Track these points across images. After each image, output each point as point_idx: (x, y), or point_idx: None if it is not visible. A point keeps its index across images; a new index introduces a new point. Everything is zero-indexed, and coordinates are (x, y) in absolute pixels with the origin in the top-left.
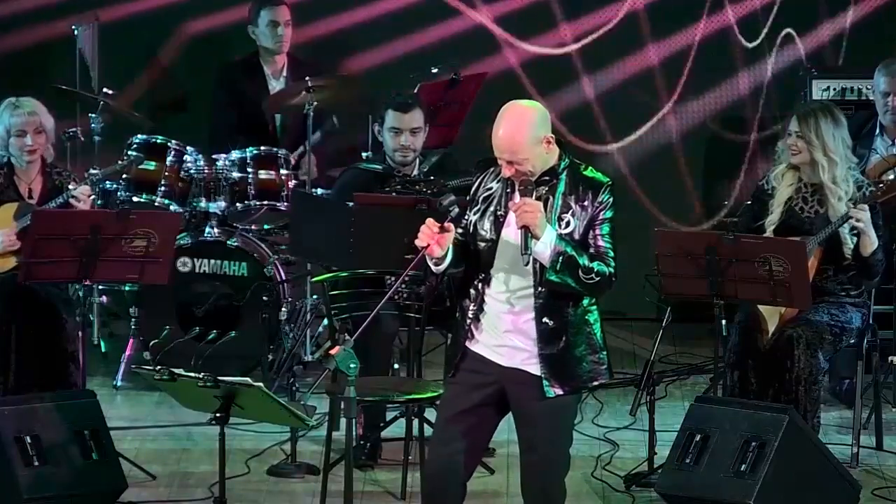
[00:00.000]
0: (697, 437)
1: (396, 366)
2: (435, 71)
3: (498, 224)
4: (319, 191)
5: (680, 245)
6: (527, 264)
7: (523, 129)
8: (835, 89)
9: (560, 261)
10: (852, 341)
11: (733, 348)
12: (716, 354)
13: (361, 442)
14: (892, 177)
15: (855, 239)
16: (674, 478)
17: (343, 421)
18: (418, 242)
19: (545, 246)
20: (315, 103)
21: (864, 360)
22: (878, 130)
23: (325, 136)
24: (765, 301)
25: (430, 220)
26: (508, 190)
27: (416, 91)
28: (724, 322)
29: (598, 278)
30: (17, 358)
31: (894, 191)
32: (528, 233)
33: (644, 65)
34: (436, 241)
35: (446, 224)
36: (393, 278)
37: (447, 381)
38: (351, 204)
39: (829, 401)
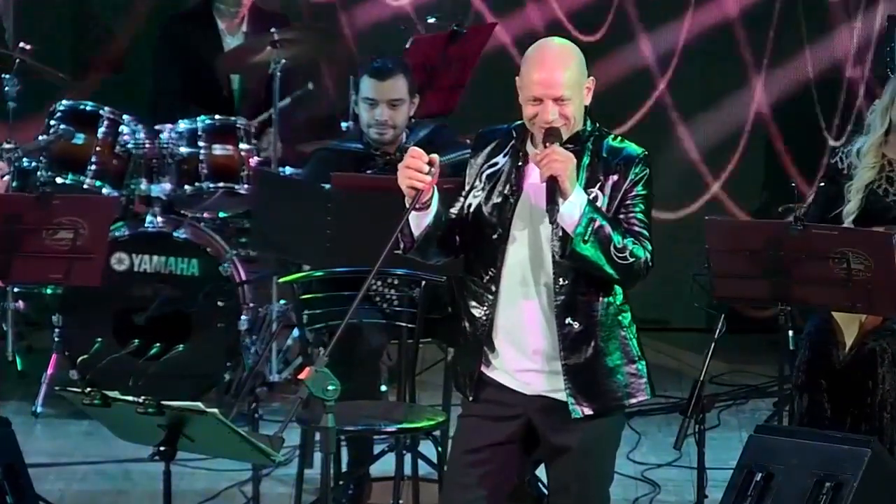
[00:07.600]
0: (758, 476)
1: (385, 388)
2: (432, 21)
3: (508, 207)
4: (288, 170)
5: (736, 238)
6: (552, 222)
7: (570, 62)
8: None
9: (590, 230)
10: None
11: (802, 366)
12: (780, 374)
13: (341, 483)
14: None
15: None
16: None
17: (318, 456)
18: (410, 184)
19: (574, 207)
20: (283, 61)
21: None
22: None
23: (297, 102)
24: (841, 307)
25: (414, 151)
26: (521, 164)
27: (407, 47)
28: (790, 333)
29: (632, 259)
30: None
31: None
32: (555, 186)
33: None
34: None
35: (431, 157)
36: (380, 282)
37: (462, 412)
38: (327, 187)
39: None
